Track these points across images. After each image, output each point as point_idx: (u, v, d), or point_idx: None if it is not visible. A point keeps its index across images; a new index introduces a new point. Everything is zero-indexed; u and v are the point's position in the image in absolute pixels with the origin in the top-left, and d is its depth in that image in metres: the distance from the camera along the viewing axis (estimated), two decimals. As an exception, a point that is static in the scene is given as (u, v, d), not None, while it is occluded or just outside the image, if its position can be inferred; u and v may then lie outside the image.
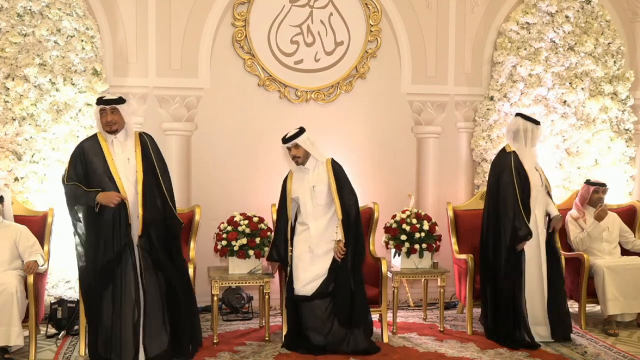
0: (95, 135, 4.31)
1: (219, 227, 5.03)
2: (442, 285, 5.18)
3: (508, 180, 4.77)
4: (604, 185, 5.56)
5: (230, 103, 5.85)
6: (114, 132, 4.21)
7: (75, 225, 4.21)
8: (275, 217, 4.98)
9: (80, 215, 4.17)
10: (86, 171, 4.18)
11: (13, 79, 5.00)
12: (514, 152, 4.88)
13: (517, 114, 5.03)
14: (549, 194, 5.00)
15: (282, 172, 5.89)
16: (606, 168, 6.21)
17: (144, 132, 4.40)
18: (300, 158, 4.68)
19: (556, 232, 5.01)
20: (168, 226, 4.23)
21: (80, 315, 4.50)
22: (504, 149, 4.98)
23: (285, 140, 4.70)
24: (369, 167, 6.07)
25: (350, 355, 4.46)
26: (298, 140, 4.63)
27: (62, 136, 5.15)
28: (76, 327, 4.82)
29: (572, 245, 5.49)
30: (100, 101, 4.24)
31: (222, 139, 5.84)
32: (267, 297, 4.90)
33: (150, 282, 4.12)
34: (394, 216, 5.34)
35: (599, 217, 5.36)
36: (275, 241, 4.77)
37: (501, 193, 4.80)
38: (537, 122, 4.95)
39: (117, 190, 4.10)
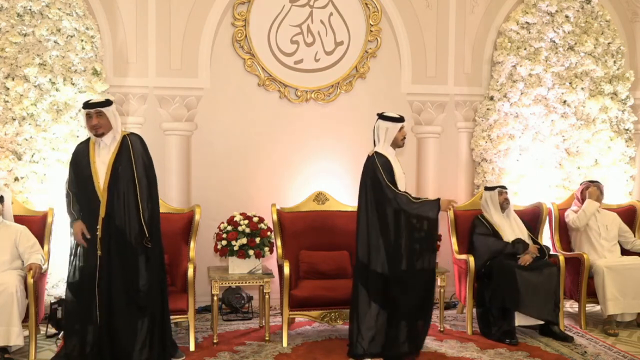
0: (89, 138, 4.29)
1: (219, 227, 5.03)
2: (442, 285, 5.17)
3: None
4: (594, 182, 5.69)
5: (230, 103, 5.85)
6: (100, 135, 4.17)
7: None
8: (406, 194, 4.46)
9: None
10: (76, 175, 4.20)
11: (13, 79, 5.00)
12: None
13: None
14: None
15: (282, 172, 5.93)
16: (606, 168, 6.22)
17: (132, 133, 4.29)
18: None
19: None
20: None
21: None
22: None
23: None
24: (369, 167, 6.06)
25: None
26: None
27: (62, 136, 5.15)
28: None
29: (572, 224, 5.55)
30: (86, 105, 4.19)
31: (222, 139, 5.84)
32: (267, 297, 4.89)
33: (103, 292, 4.08)
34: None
35: (591, 195, 5.52)
36: None
37: None
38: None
39: (96, 194, 4.08)
